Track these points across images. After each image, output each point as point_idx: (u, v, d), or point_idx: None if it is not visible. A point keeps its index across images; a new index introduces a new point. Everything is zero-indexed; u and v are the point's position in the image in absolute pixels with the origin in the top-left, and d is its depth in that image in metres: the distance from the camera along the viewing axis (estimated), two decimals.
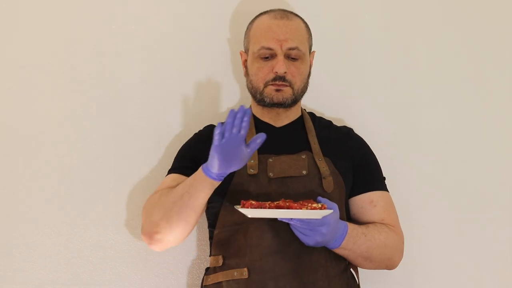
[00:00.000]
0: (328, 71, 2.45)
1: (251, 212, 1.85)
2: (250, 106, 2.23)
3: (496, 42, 2.54)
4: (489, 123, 2.51)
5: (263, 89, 2.13)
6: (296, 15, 2.19)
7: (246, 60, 2.20)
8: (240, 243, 2.01)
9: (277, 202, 1.88)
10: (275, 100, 2.12)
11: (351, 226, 2.00)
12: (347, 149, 2.16)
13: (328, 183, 2.05)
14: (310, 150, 2.11)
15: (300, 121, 2.20)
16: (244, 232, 2.01)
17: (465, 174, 2.49)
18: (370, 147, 2.21)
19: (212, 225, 2.11)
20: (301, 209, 1.86)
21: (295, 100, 2.14)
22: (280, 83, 2.11)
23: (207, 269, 2.11)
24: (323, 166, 2.07)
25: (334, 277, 2.01)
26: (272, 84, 2.11)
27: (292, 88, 2.12)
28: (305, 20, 2.21)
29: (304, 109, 2.24)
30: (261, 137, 1.91)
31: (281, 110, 2.16)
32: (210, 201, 2.10)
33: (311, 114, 2.25)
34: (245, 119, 1.88)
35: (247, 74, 2.19)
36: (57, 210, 2.33)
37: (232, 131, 1.87)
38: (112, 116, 2.38)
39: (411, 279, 2.42)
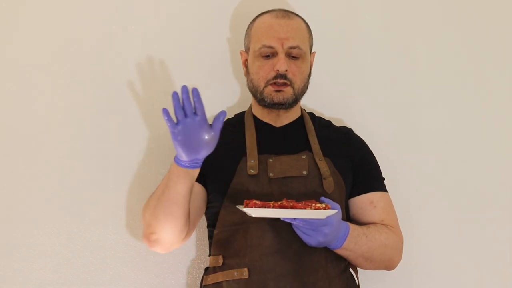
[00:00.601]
0: (328, 71, 2.45)
1: (255, 212, 1.84)
2: (251, 106, 2.22)
3: (496, 42, 2.54)
4: (489, 123, 2.51)
5: (263, 89, 2.12)
6: (297, 15, 2.19)
7: (246, 60, 2.20)
8: (241, 243, 2.01)
9: (281, 202, 1.87)
10: (275, 100, 2.12)
11: (352, 226, 2.00)
12: (347, 149, 2.15)
13: (329, 183, 2.05)
14: (310, 150, 2.11)
15: (300, 121, 2.20)
16: (244, 232, 2.01)
17: (465, 174, 2.49)
18: (370, 147, 2.21)
19: (212, 225, 2.11)
20: (305, 209, 1.85)
21: (296, 100, 2.14)
22: (281, 81, 2.10)
23: (207, 269, 2.11)
24: (324, 166, 2.07)
25: (334, 278, 2.01)
26: (272, 84, 2.11)
27: (293, 88, 2.12)
28: (305, 20, 2.21)
29: (304, 109, 2.24)
30: (222, 115, 1.87)
31: (281, 110, 2.16)
32: (210, 201, 2.11)
33: (311, 114, 2.25)
34: (195, 99, 1.84)
35: (247, 73, 2.19)
36: (57, 210, 2.33)
37: (186, 115, 1.84)
38: (112, 116, 2.38)
39: (411, 279, 2.42)
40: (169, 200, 1.98)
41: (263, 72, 2.12)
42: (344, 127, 2.24)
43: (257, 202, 1.86)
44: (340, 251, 2.00)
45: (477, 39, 2.53)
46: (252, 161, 2.06)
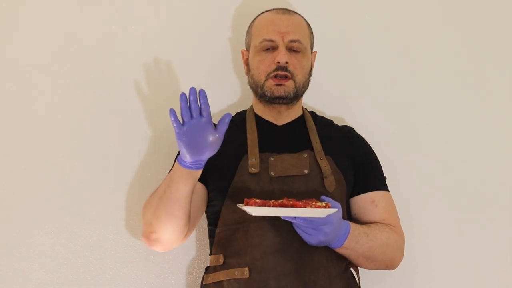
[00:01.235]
0: (328, 71, 2.45)
1: (255, 210, 1.84)
2: (252, 105, 2.22)
3: (496, 42, 2.54)
4: (489, 123, 2.51)
5: (264, 82, 2.12)
6: (299, 14, 2.20)
7: (247, 59, 2.20)
8: (241, 242, 2.00)
9: (281, 200, 1.87)
10: (276, 94, 2.11)
11: (353, 225, 2.00)
12: (348, 148, 2.15)
13: (330, 182, 2.05)
14: (311, 149, 2.10)
15: (301, 119, 2.20)
16: (245, 231, 2.00)
17: (465, 174, 2.49)
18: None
19: (213, 224, 2.11)
20: (305, 207, 1.85)
21: (297, 94, 2.13)
22: (282, 73, 2.10)
23: (207, 268, 2.11)
24: (325, 165, 2.07)
25: (335, 277, 2.00)
26: (273, 78, 2.11)
27: (294, 81, 2.11)
28: (306, 20, 2.22)
29: (305, 108, 2.24)
30: (228, 117, 1.89)
31: (282, 108, 2.16)
32: (210, 200, 2.10)
33: (312, 113, 2.24)
34: (202, 100, 1.86)
35: (248, 70, 2.19)
36: (57, 210, 2.33)
37: (192, 116, 1.85)
38: (112, 116, 2.38)
39: (411, 279, 2.42)
40: (171, 200, 1.97)
41: (264, 65, 2.12)
42: (346, 126, 2.24)
43: (257, 200, 1.86)
44: (340, 250, 2.00)
45: (477, 39, 2.54)
46: (254, 160, 2.06)
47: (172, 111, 1.86)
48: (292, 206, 1.85)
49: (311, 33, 2.21)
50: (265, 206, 1.85)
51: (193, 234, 2.36)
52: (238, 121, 2.18)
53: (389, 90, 2.49)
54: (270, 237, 1.98)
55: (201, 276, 2.14)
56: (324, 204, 1.86)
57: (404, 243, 2.13)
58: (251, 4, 2.40)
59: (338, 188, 2.06)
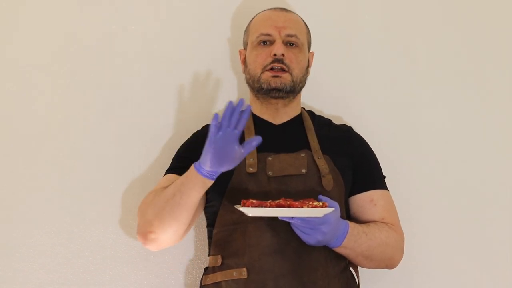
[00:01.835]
0: (328, 71, 2.45)
1: (252, 211, 1.84)
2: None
3: (496, 42, 2.54)
4: (489, 123, 2.51)
5: (260, 75, 2.12)
6: (297, 14, 2.21)
7: (245, 58, 2.20)
8: (239, 243, 2.00)
9: (278, 201, 1.87)
10: (273, 85, 2.11)
11: (351, 224, 1.99)
12: (347, 147, 2.15)
13: (328, 181, 2.05)
14: (309, 148, 2.10)
15: (299, 119, 2.19)
16: (243, 231, 2.00)
17: (465, 174, 2.48)
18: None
19: (211, 225, 2.11)
20: (302, 207, 1.85)
21: (293, 88, 2.13)
22: (279, 65, 2.10)
23: (206, 268, 2.11)
24: (322, 164, 2.07)
25: (334, 277, 2.00)
26: (269, 70, 2.11)
27: (291, 74, 2.11)
28: (305, 20, 2.23)
29: (303, 108, 2.24)
30: (256, 140, 1.90)
31: (279, 104, 2.15)
32: (209, 200, 2.10)
33: (310, 113, 2.24)
34: (244, 116, 1.87)
35: (245, 67, 2.19)
36: (57, 210, 2.33)
37: (228, 127, 1.87)
38: (111, 115, 2.38)
39: (411, 279, 2.42)
40: (179, 205, 1.98)
41: (260, 59, 2.12)
42: (344, 125, 2.24)
43: (254, 201, 1.86)
44: (339, 250, 1.99)
45: (477, 39, 2.53)
46: (251, 160, 2.06)
47: (216, 116, 1.88)
48: (289, 206, 1.85)
49: (309, 32, 2.21)
50: (262, 206, 1.85)
51: (193, 234, 2.36)
52: None
53: (389, 90, 2.49)
54: (268, 237, 1.98)
55: (201, 277, 2.14)
56: (321, 204, 1.86)
57: (403, 242, 2.12)
58: (251, 4, 2.40)
59: (336, 187, 2.06)
